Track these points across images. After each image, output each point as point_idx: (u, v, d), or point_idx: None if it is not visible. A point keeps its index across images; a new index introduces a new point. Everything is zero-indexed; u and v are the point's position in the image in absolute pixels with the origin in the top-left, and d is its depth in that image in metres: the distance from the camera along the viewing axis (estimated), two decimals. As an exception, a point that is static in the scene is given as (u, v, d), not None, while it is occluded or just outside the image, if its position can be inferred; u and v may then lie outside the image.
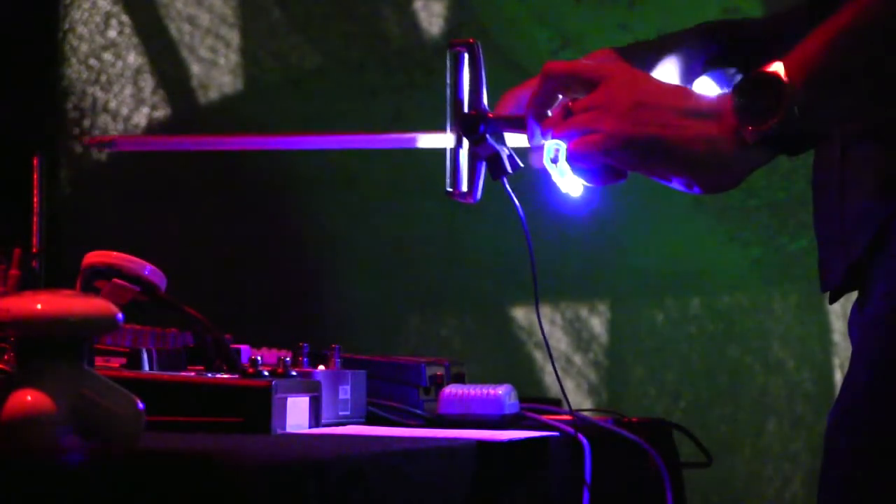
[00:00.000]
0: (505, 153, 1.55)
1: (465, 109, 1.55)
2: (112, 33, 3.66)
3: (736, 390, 3.36)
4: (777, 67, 1.31)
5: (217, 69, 3.65)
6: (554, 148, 1.45)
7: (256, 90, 3.66)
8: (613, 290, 3.46)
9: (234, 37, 3.67)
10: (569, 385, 3.43)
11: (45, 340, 1.17)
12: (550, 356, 1.78)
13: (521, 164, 1.56)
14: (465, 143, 1.56)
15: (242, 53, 3.66)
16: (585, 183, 1.46)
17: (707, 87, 1.60)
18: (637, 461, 1.83)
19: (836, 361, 3.30)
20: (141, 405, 1.20)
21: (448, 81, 1.56)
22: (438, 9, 3.56)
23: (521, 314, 3.45)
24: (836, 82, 1.31)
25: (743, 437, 3.34)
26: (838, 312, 3.28)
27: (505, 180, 1.56)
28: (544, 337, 1.71)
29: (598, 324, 3.45)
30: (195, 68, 3.65)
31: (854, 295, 1.46)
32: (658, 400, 3.38)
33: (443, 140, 1.57)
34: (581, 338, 3.44)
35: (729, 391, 3.36)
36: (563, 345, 3.44)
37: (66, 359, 1.17)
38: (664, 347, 3.41)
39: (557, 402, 1.91)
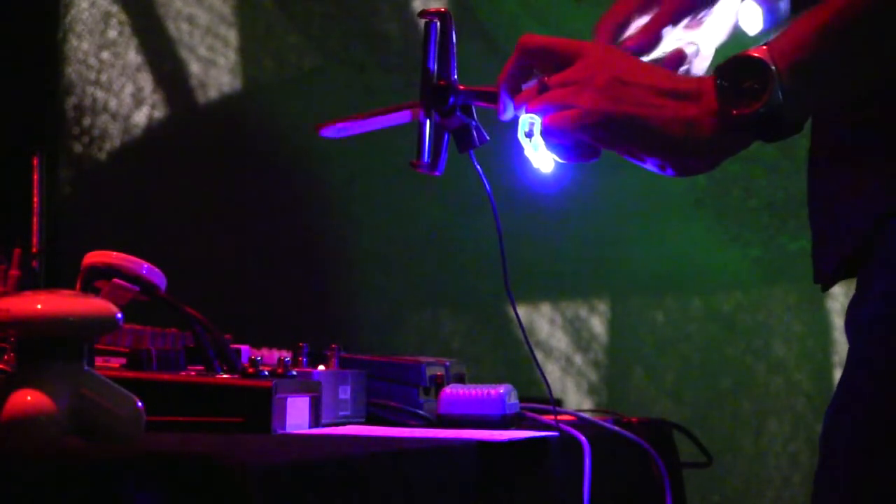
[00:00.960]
0: (473, 126, 1.53)
1: (434, 80, 1.53)
2: (112, 33, 3.66)
3: (736, 390, 3.36)
4: (762, 51, 1.30)
5: (216, 69, 3.65)
6: (529, 122, 1.44)
7: (256, 90, 3.66)
8: (613, 290, 3.46)
9: (234, 36, 3.67)
10: (569, 385, 3.43)
11: (45, 340, 1.16)
12: (528, 342, 1.77)
13: (489, 138, 1.54)
14: (432, 114, 1.53)
15: (242, 53, 3.66)
16: (558, 159, 1.44)
17: (751, 11, 1.56)
18: (637, 461, 1.83)
19: (836, 360, 3.30)
20: (141, 405, 1.20)
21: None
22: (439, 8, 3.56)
23: (520, 314, 3.44)
24: (822, 69, 1.31)
25: (743, 437, 3.34)
26: (838, 311, 3.28)
27: (472, 154, 1.54)
28: (519, 321, 1.69)
29: (598, 324, 3.45)
30: (194, 68, 3.65)
31: (851, 292, 1.46)
32: (658, 400, 3.38)
33: (403, 117, 1.55)
34: (581, 338, 3.44)
35: (729, 391, 3.36)
36: (564, 345, 3.44)
37: (66, 359, 1.17)
38: (664, 347, 3.41)
39: (558, 402, 1.91)
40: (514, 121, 1.49)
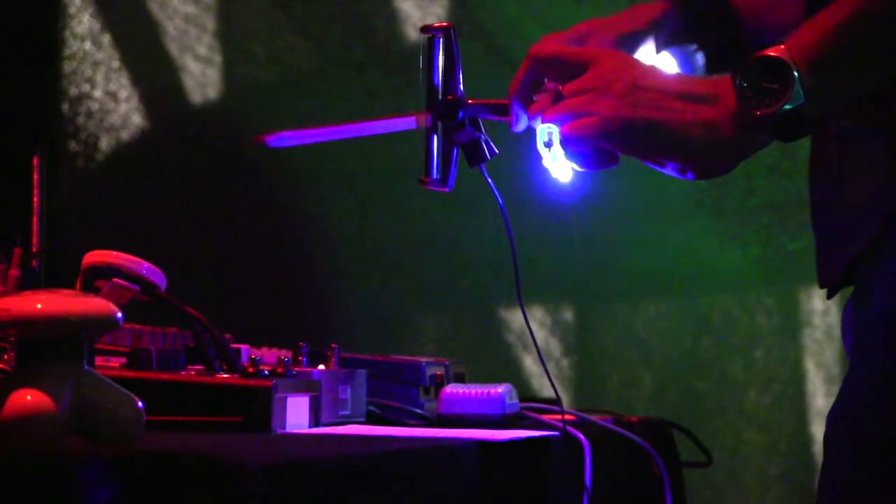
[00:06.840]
0: (482, 140, 1.53)
1: (440, 95, 1.52)
2: (111, 33, 3.66)
3: (735, 390, 3.36)
4: (781, 50, 1.30)
5: (216, 68, 3.65)
6: (547, 132, 1.44)
7: (255, 90, 3.66)
8: (612, 291, 3.46)
9: (232, 36, 3.66)
10: (566, 386, 3.43)
11: (45, 340, 1.17)
12: (538, 349, 1.77)
13: (498, 152, 1.54)
14: (440, 129, 1.53)
15: (241, 53, 3.66)
16: (577, 167, 1.44)
17: (667, 63, 1.58)
18: (637, 461, 1.84)
19: (837, 360, 3.30)
20: (141, 405, 1.20)
21: (422, 67, 1.53)
22: (438, 9, 3.55)
23: (520, 314, 3.44)
24: (842, 66, 1.30)
25: (741, 437, 3.34)
26: (838, 311, 3.28)
27: (483, 168, 1.54)
28: (529, 327, 1.69)
29: (595, 325, 3.45)
30: (193, 67, 3.65)
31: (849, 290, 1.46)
32: (654, 400, 3.38)
33: (407, 123, 1.54)
34: (578, 339, 3.44)
35: (728, 391, 3.36)
36: (559, 346, 3.44)
37: (66, 359, 1.17)
38: (663, 347, 3.41)
39: (555, 403, 1.91)
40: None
